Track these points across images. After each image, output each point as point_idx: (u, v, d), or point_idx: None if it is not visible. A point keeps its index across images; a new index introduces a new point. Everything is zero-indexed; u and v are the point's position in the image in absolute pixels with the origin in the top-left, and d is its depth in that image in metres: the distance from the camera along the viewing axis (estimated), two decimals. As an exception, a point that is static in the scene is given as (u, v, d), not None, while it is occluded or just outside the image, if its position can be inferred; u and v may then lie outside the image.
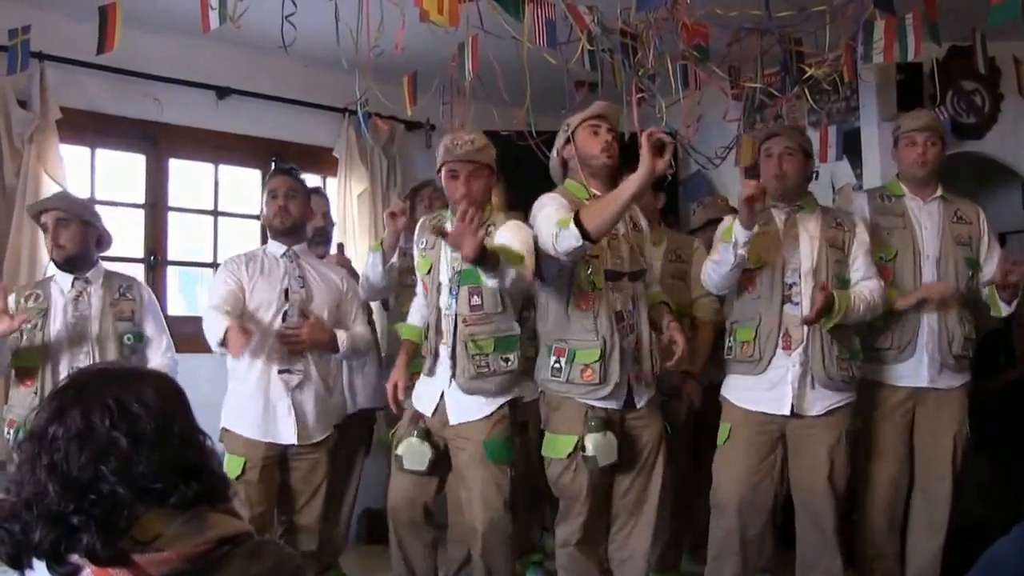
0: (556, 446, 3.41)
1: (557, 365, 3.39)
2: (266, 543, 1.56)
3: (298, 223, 3.81)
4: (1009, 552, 1.69)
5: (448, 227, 3.36)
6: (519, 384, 3.51)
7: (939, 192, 3.81)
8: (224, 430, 3.66)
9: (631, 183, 3.09)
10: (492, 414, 3.42)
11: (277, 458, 3.67)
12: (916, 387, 3.70)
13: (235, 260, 3.80)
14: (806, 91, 4.13)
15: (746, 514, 3.55)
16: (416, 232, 3.71)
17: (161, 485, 1.40)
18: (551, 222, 3.23)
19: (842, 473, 3.55)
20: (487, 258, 3.06)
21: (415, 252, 3.71)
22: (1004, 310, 3.69)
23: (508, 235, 3.32)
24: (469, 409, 3.43)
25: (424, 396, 3.56)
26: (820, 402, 3.53)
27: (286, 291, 3.71)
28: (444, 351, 3.45)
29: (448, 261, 3.47)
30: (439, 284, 3.50)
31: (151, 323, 3.82)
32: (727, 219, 3.50)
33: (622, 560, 3.53)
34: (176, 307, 5.28)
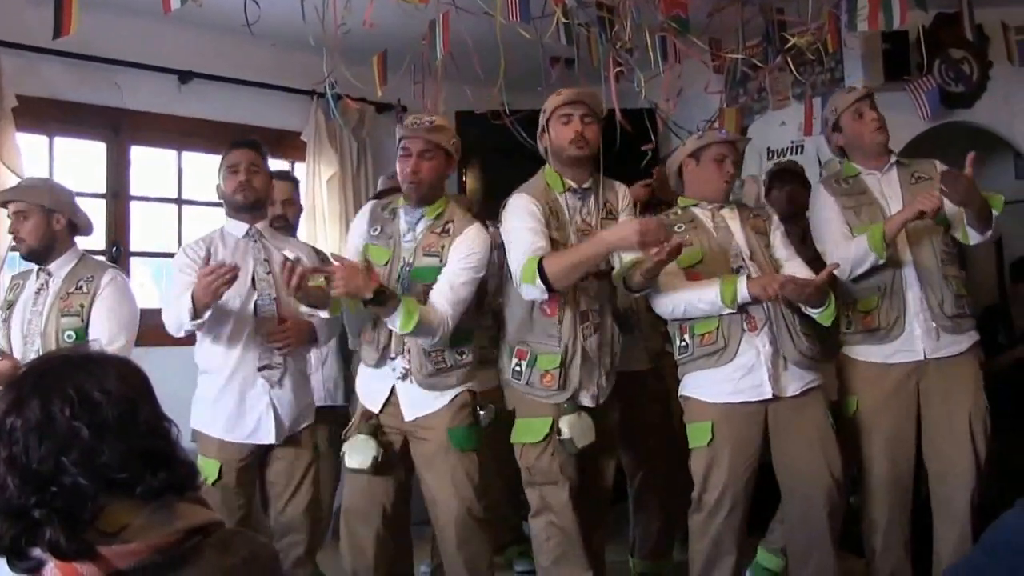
0: (530, 430, 3.34)
1: (518, 368, 3.35)
2: (239, 533, 1.51)
3: (261, 199, 3.56)
4: (1014, 526, 1.63)
5: (402, 214, 3.36)
6: (476, 377, 3.42)
7: (893, 159, 3.69)
8: (195, 432, 3.44)
9: (602, 242, 3.14)
10: (452, 401, 3.31)
11: (256, 457, 3.46)
12: (914, 361, 3.54)
13: (193, 248, 3.52)
14: (789, 61, 3.98)
15: (740, 512, 3.41)
16: (368, 217, 3.50)
17: (126, 475, 1.35)
18: (518, 263, 3.20)
19: (837, 458, 3.40)
20: (378, 304, 3.08)
21: (366, 239, 3.48)
22: (974, 237, 3.51)
23: (452, 260, 3.25)
24: (426, 401, 3.31)
25: (370, 390, 3.41)
26: (795, 382, 3.39)
27: (253, 278, 3.46)
28: (395, 348, 3.32)
29: (400, 252, 3.34)
30: (393, 276, 3.34)
31: (100, 317, 3.48)
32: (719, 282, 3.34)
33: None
34: (143, 299, 5.07)
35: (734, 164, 3.54)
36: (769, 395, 3.36)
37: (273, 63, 5.21)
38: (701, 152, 3.56)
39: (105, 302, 3.49)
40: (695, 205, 3.56)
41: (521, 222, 3.27)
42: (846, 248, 3.48)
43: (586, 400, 3.36)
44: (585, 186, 3.41)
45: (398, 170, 3.36)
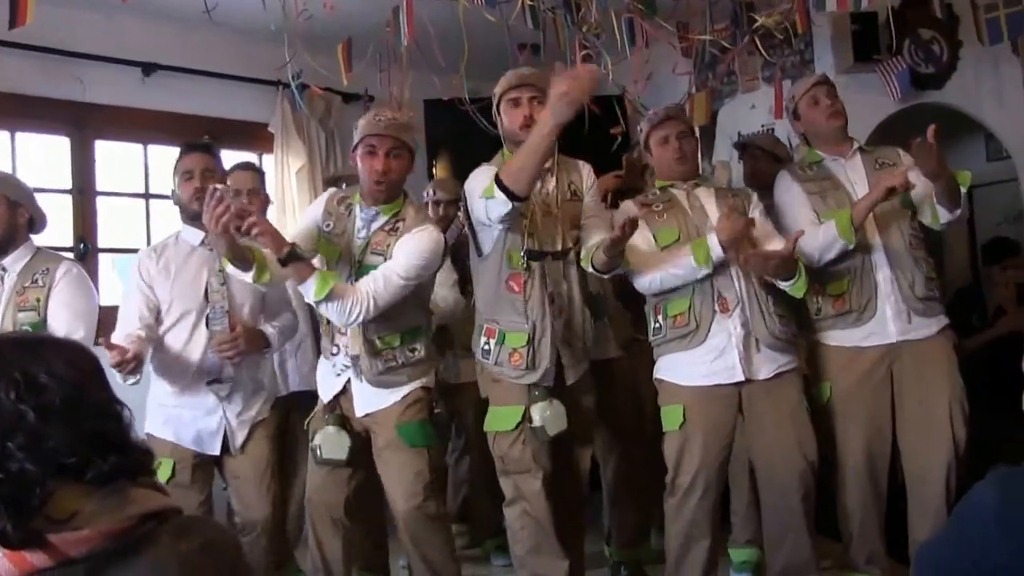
0: (501, 418, 3.31)
1: (487, 346, 3.32)
2: (197, 519, 1.47)
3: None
4: (987, 495, 1.59)
5: (358, 211, 3.30)
6: (429, 373, 3.36)
7: (855, 145, 3.68)
8: (148, 435, 3.39)
9: (541, 125, 2.95)
10: (404, 397, 3.26)
11: (211, 457, 3.43)
12: (887, 344, 3.52)
13: (146, 260, 3.48)
14: (757, 42, 3.95)
15: (713, 494, 3.40)
16: (323, 208, 3.41)
17: (75, 459, 1.30)
18: (480, 196, 3.13)
19: (810, 441, 3.39)
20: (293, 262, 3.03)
21: (316, 220, 3.41)
22: (944, 216, 3.50)
23: (394, 256, 3.19)
24: (377, 397, 3.28)
25: (324, 381, 3.38)
26: (768, 365, 3.37)
27: (206, 290, 3.42)
28: (342, 340, 3.29)
29: (351, 248, 3.28)
30: (346, 274, 3.28)
31: (57, 309, 3.41)
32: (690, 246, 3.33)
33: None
34: (112, 296, 5.01)
35: (681, 139, 3.50)
36: (741, 378, 3.34)
37: (238, 54, 5.13)
38: (648, 139, 3.57)
39: (62, 294, 3.42)
40: (671, 186, 3.54)
41: (480, 175, 3.25)
42: (814, 235, 3.44)
43: (571, 378, 3.33)
44: (545, 166, 3.34)
45: (361, 168, 3.26)
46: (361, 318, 3.10)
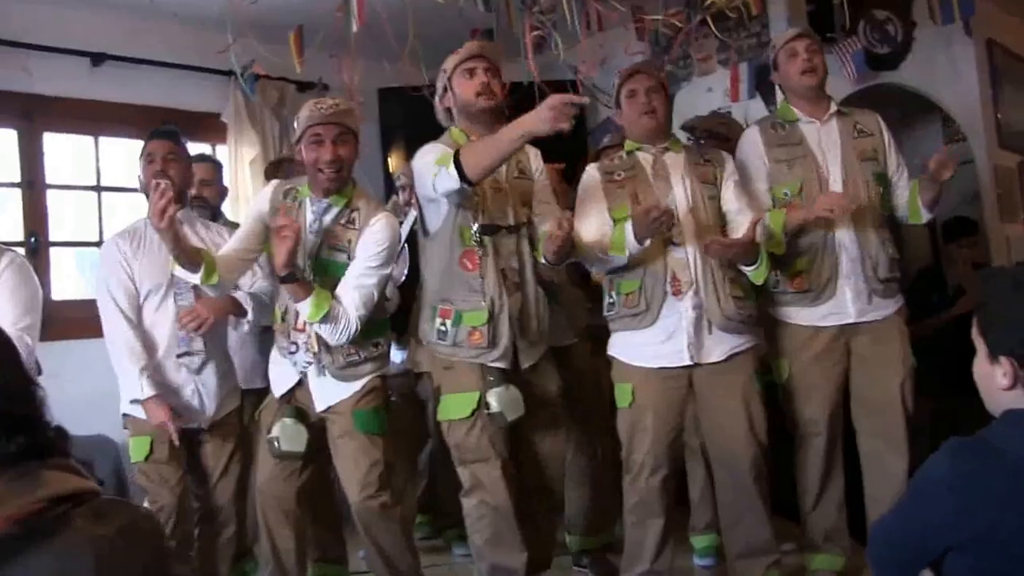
0: (456, 406, 3.25)
1: (443, 328, 3.24)
2: (116, 501, 1.38)
3: (179, 189, 3.46)
4: (941, 466, 1.61)
5: (308, 205, 3.23)
6: (388, 364, 3.38)
7: (833, 108, 3.61)
8: (126, 416, 3.44)
9: (517, 126, 2.91)
10: (361, 388, 3.24)
11: (184, 438, 3.43)
12: (844, 324, 3.50)
13: (117, 242, 3.49)
14: (711, 23, 3.92)
15: (664, 474, 3.37)
16: (268, 201, 3.34)
17: None
18: (430, 164, 3.09)
19: (761, 422, 3.37)
20: (292, 282, 3.01)
21: (264, 210, 3.35)
22: (924, 216, 3.49)
23: (359, 257, 3.16)
24: (336, 389, 3.24)
25: (279, 375, 3.34)
26: (720, 347, 3.33)
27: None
28: (298, 337, 3.24)
29: (304, 245, 3.19)
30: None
31: (2, 300, 3.31)
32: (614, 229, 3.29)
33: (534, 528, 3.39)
34: (65, 291, 4.94)
35: (650, 94, 3.40)
36: (688, 362, 3.30)
37: (189, 43, 5.02)
38: (619, 94, 3.49)
39: (6, 285, 3.33)
40: (639, 149, 3.45)
41: (435, 149, 3.21)
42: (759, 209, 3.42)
43: (527, 361, 3.29)
44: None
45: (308, 158, 3.18)
46: (348, 338, 3.11)
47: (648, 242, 3.18)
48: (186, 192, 3.62)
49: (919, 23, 5.04)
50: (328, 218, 3.22)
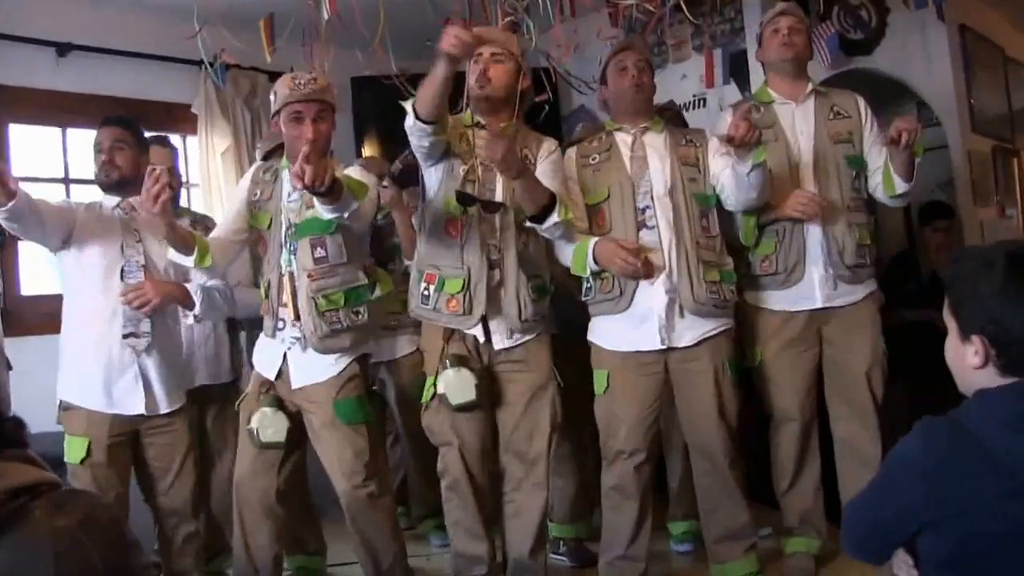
0: (424, 389, 3.30)
1: (426, 292, 3.27)
2: (76, 493, 1.36)
3: (127, 176, 3.41)
4: (912, 446, 1.62)
5: (285, 177, 3.23)
6: (367, 340, 3.33)
7: (810, 87, 3.59)
8: (63, 407, 3.31)
9: (439, 54, 2.87)
10: (341, 372, 3.21)
11: (127, 435, 3.32)
12: (813, 309, 3.50)
13: (74, 202, 3.53)
14: (684, 7, 3.88)
15: (636, 461, 3.36)
16: (249, 182, 3.40)
17: None
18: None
19: (732, 407, 3.37)
20: (332, 188, 2.86)
21: (248, 203, 3.37)
22: (899, 186, 3.43)
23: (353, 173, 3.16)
24: (315, 370, 3.21)
25: (265, 359, 3.32)
26: (690, 331, 3.32)
27: (122, 246, 3.35)
28: (285, 313, 3.21)
29: (285, 214, 3.21)
30: (279, 241, 3.23)
31: None
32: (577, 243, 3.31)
33: (511, 515, 3.37)
34: (35, 286, 4.85)
35: (640, 69, 3.40)
36: (660, 346, 3.30)
37: (158, 33, 4.92)
38: (606, 69, 3.49)
39: None
40: (618, 129, 3.44)
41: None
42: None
43: (500, 343, 3.27)
44: (500, 126, 3.28)
45: (287, 134, 3.18)
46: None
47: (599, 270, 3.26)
48: (135, 178, 3.40)
49: (892, 8, 5.04)
50: None
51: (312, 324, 3.15)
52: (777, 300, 3.52)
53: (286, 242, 3.20)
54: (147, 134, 3.66)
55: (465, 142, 3.27)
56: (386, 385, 4.35)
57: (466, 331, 3.24)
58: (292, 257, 3.18)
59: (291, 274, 3.18)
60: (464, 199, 3.20)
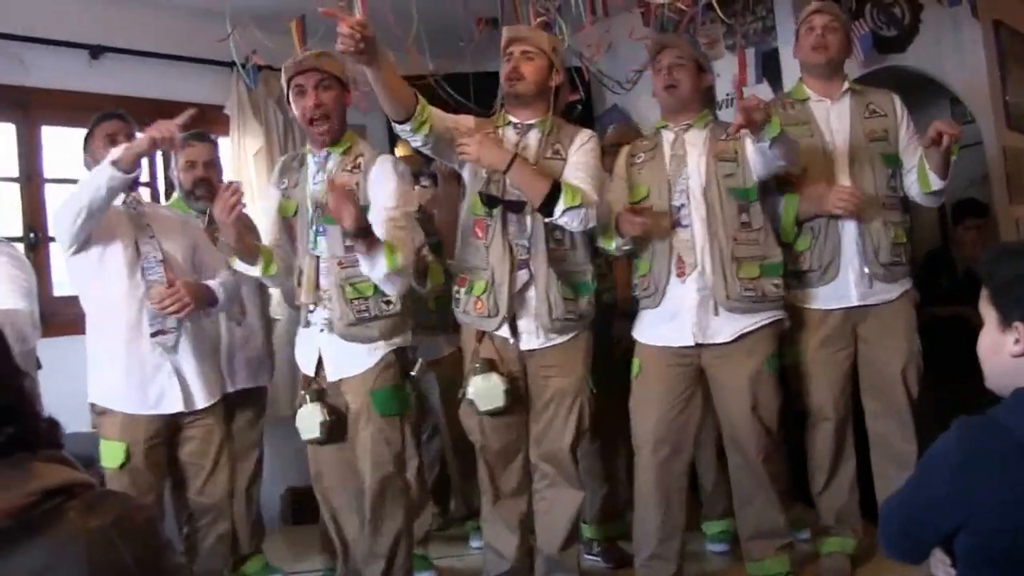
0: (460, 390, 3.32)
1: (458, 296, 3.30)
2: (109, 493, 1.34)
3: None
4: (948, 444, 1.61)
5: (310, 160, 3.24)
6: (403, 332, 3.27)
7: (846, 86, 3.57)
8: (96, 411, 3.28)
9: None
10: (377, 363, 3.19)
11: (164, 435, 3.27)
12: (848, 307, 3.47)
13: None
14: (716, 6, 3.87)
15: (663, 454, 3.36)
16: (276, 172, 3.43)
17: None
18: None
19: (769, 404, 3.35)
20: (365, 237, 2.93)
21: (276, 192, 3.39)
22: (935, 183, 3.40)
23: (378, 198, 3.14)
24: (349, 362, 3.20)
25: (303, 354, 3.33)
26: (727, 328, 3.32)
27: (136, 243, 3.29)
28: (312, 300, 3.22)
29: (312, 196, 3.21)
30: (306, 224, 3.24)
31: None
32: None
33: (543, 512, 3.37)
34: (65, 286, 4.85)
35: (673, 69, 3.37)
36: (690, 343, 3.30)
37: (190, 35, 4.97)
38: (652, 68, 3.48)
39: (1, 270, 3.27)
40: (664, 127, 3.44)
41: None
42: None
43: (528, 343, 3.26)
44: (529, 123, 3.30)
45: (297, 112, 3.22)
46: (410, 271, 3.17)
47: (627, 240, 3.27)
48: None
49: (926, 5, 4.99)
50: (331, 165, 3.22)
51: (339, 311, 3.14)
52: (813, 297, 3.51)
53: (312, 223, 3.19)
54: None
55: (495, 143, 3.25)
56: (430, 384, 4.35)
57: (494, 332, 3.24)
58: (320, 239, 3.18)
59: (317, 257, 3.19)
60: (489, 200, 3.21)
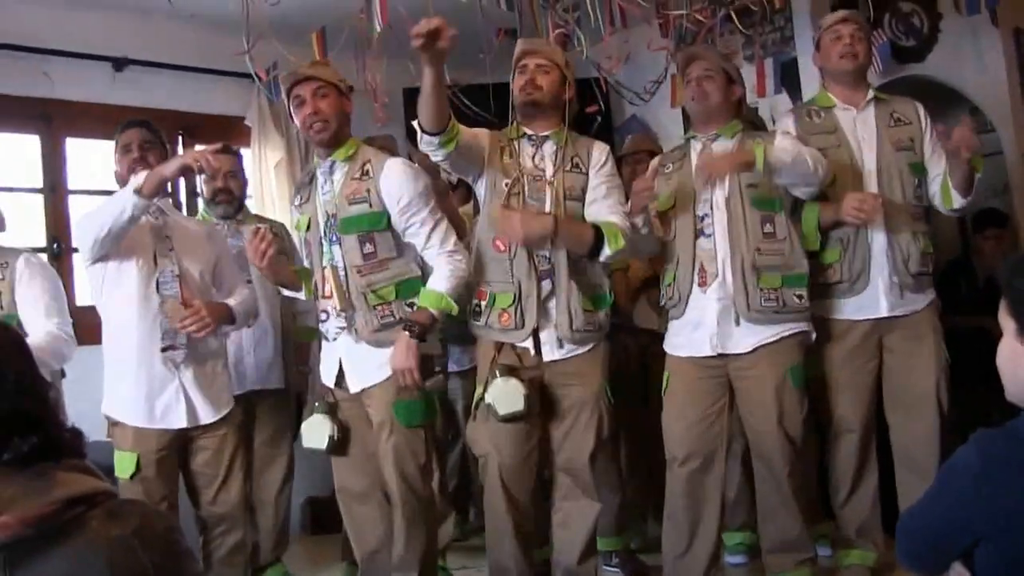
0: (476, 399, 3.28)
1: (477, 308, 3.27)
2: (129, 502, 1.37)
3: None
4: (966, 456, 1.59)
5: (318, 172, 3.27)
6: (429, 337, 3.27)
7: (871, 94, 3.56)
8: (109, 422, 3.30)
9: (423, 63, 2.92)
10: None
11: (175, 445, 3.29)
12: (877, 318, 3.45)
13: None
14: (734, 16, 3.88)
15: (693, 466, 3.34)
16: (294, 191, 3.49)
17: None
18: None
19: (794, 416, 3.32)
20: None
21: (292, 211, 3.46)
22: (957, 201, 3.40)
23: (397, 206, 3.16)
24: (370, 372, 3.20)
25: (325, 366, 3.35)
26: (748, 338, 3.30)
27: (154, 255, 3.30)
28: (328, 305, 3.24)
29: (322, 208, 3.23)
30: (319, 238, 3.26)
31: (31, 299, 3.37)
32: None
33: (559, 525, 3.36)
34: (88, 296, 4.91)
35: (702, 81, 3.36)
36: (710, 352, 3.30)
37: (212, 47, 4.98)
38: (682, 79, 3.50)
39: (32, 284, 3.38)
40: (693, 137, 3.45)
41: None
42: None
43: (551, 355, 3.25)
44: (543, 134, 3.31)
45: (299, 123, 3.26)
46: (466, 271, 3.20)
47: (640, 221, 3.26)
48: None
49: (944, 14, 4.99)
50: (338, 175, 3.24)
51: (363, 319, 3.16)
52: (839, 309, 3.48)
53: (326, 234, 3.22)
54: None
55: (508, 154, 3.28)
56: (456, 392, 4.36)
57: (517, 344, 3.24)
58: (334, 248, 3.21)
59: (333, 267, 3.20)
60: None
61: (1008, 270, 1.66)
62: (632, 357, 4.00)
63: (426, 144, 3.08)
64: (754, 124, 4.06)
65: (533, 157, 3.29)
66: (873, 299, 3.43)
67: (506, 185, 3.23)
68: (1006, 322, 1.64)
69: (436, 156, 3.15)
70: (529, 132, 3.32)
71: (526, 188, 3.24)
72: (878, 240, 3.41)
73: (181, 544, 1.35)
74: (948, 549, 1.65)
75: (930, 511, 1.69)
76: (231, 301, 3.40)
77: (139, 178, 3.07)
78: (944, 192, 3.43)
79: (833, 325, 3.50)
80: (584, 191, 3.30)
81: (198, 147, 3.16)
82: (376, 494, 3.31)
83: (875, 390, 3.52)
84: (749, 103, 5.04)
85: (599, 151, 3.36)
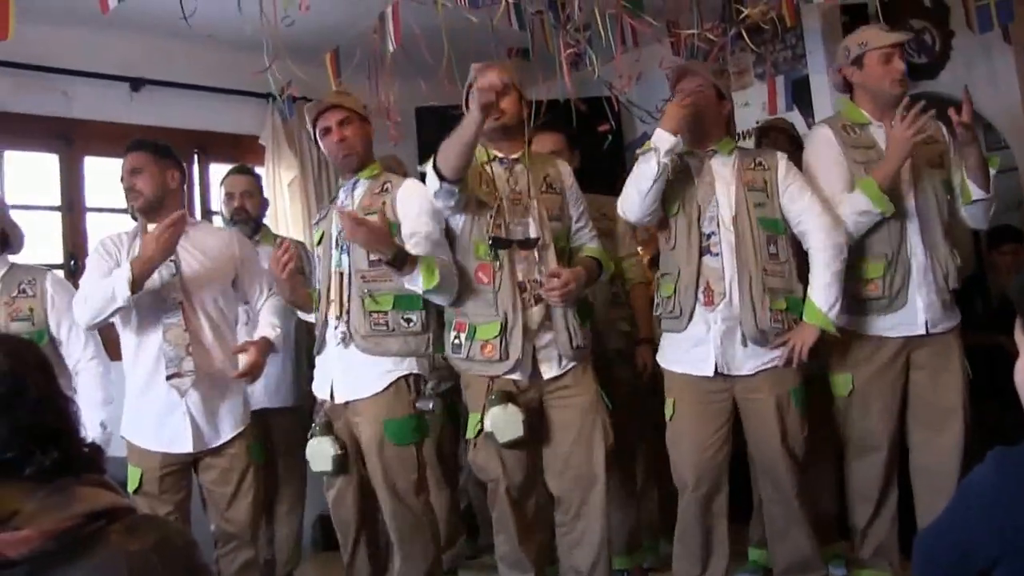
0: (470, 426, 3.24)
1: (457, 341, 3.23)
2: (149, 518, 1.40)
3: (152, 201, 3.36)
4: (986, 475, 1.56)
5: (341, 192, 3.38)
6: (421, 355, 3.28)
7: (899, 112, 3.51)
8: (124, 439, 3.33)
9: (469, 112, 2.97)
10: (388, 387, 3.19)
11: (181, 462, 3.31)
12: (910, 336, 3.40)
13: (115, 240, 3.46)
14: (744, 34, 3.89)
15: (703, 491, 3.31)
16: (317, 209, 3.58)
17: (12, 453, 1.27)
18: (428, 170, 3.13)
19: (796, 436, 3.31)
20: (397, 257, 3.00)
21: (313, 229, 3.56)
22: (975, 192, 3.35)
23: (408, 215, 3.20)
24: (360, 383, 3.21)
25: (319, 379, 3.37)
26: (751, 360, 3.28)
27: (160, 285, 3.30)
28: (333, 315, 3.26)
29: (337, 218, 3.25)
30: (330, 245, 3.33)
31: (64, 326, 3.41)
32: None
33: (571, 545, 3.32)
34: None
35: (692, 97, 3.25)
36: (710, 372, 3.27)
37: (227, 67, 5.07)
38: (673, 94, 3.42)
39: (68, 315, 3.40)
40: (689, 153, 3.36)
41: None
42: (850, 201, 3.31)
43: (549, 372, 3.24)
44: (513, 156, 3.31)
45: (325, 150, 3.38)
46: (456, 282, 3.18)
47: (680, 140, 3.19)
48: (161, 201, 3.39)
49: (957, 32, 4.99)
50: (359, 191, 3.33)
51: (357, 322, 3.18)
52: (872, 325, 3.42)
53: (338, 243, 3.27)
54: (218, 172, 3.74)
55: (485, 182, 3.25)
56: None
57: (502, 376, 3.18)
58: (343, 256, 3.25)
59: (341, 274, 3.24)
60: (499, 244, 3.18)
61: (1019, 288, 1.65)
62: (648, 372, 3.98)
63: (444, 194, 3.06)
64: (793, 139, 4.07)
65: (508, 180, 3.28)
66: (911, 316, 3.37)
67: (490, 214, 3.20)
68: (1022, 341, 1.62)
69: (448, 203, 3.11)
70: (499, 155, 3.30)
71: (507, 213, 3.22)
72: (918, 256, 3.36)
73: (200, 560, 1.36)
74: (961, 571, 1.62)
75: (947, 530, 1.66)
76: (271, 334, 3.43)
77: (130, 272, 3.12)
78: (963, 187, 3.39)
79: (864, 342, 3.44)
80: (562, 210, 3.32)
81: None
82: (370, 511, 3.35)
83: (902, 408, 3.48)
84: (759, 120, 5.07)
85: (566, 170, 3.42)
